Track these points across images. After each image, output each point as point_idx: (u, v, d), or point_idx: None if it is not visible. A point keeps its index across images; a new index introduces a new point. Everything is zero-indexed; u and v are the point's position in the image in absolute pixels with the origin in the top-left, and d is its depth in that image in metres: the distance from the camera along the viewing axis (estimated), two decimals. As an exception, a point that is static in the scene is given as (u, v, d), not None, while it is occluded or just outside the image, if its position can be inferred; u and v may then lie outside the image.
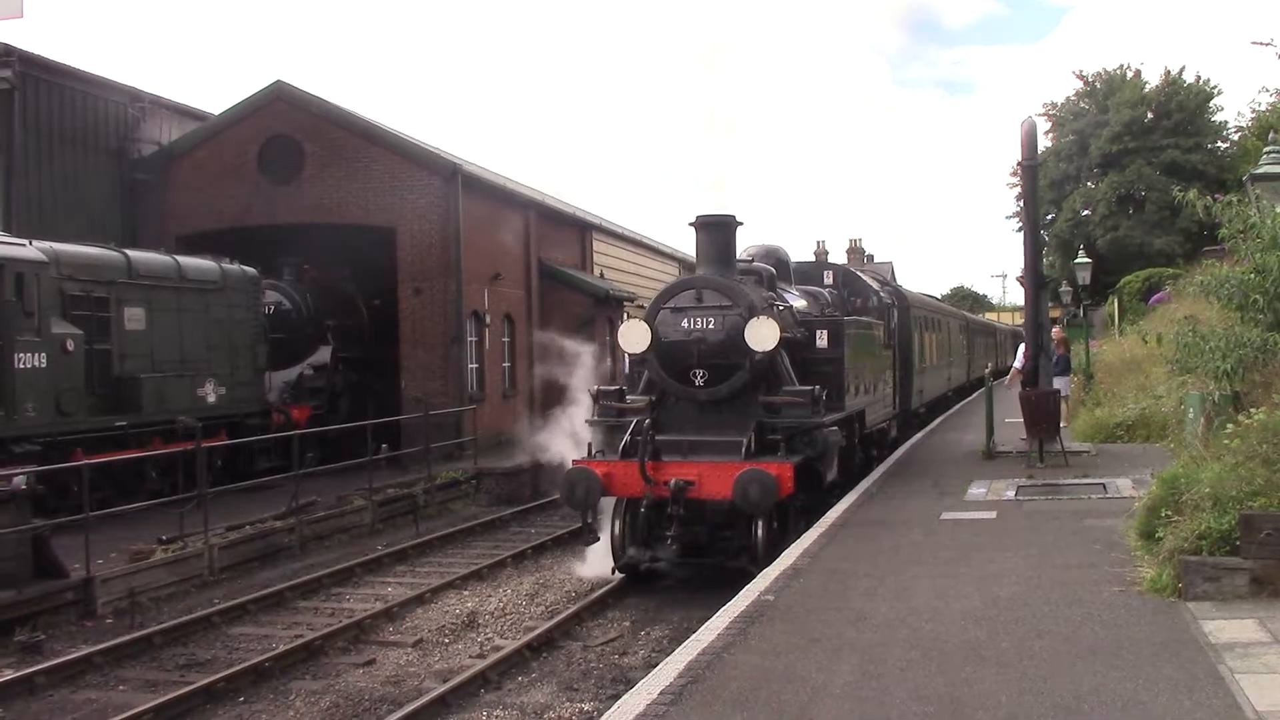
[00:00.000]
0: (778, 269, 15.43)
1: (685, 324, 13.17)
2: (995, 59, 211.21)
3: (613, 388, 14.22)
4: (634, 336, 13.42)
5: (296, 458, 17.38)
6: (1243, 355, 11.27)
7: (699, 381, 13.11)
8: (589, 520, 13.01)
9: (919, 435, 22.24)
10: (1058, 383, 19.22)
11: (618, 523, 12.91)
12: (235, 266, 20.85)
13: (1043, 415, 16.50)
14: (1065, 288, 42.57)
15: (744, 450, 12.41)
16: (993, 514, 12.57)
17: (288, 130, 25.32)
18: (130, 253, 18.57)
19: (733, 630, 8.07)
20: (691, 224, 13.78)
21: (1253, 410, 9.80)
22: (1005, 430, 19.10)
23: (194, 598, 13.70)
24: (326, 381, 24.33)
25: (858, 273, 20.05)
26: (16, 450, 15.11)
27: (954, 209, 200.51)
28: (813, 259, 31.95)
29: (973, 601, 8.55)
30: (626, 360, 15.06)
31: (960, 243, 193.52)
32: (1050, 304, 31.69)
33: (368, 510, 18.33)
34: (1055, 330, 21.11)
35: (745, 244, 15.91)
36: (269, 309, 22.60)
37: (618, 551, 12.92)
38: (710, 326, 13.07)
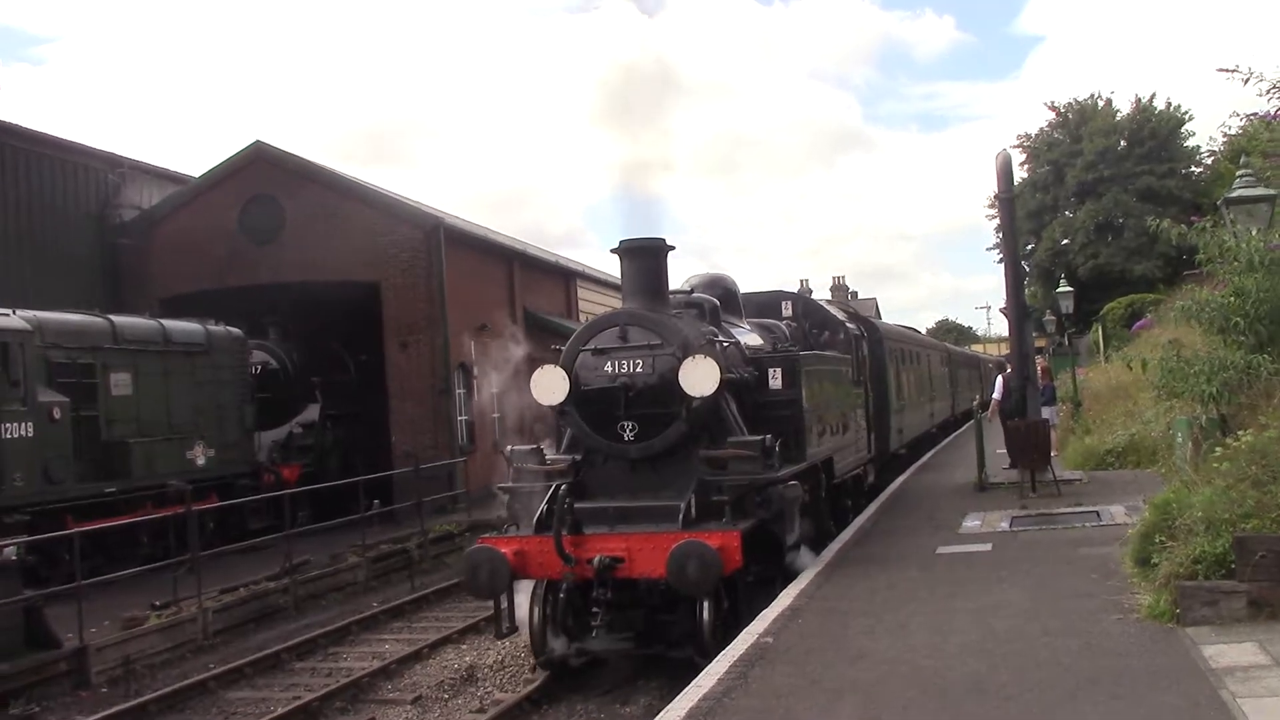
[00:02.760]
0: (724, 300, 13.58)
1: (609, 368, 11.36)
2: (967, 94, 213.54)
3: (529, 447, 12.01)
4: (547, 385, 11.44)
5: (288, 517, 17.32)
6: (1227, 378, 11.31)
7: (628, 435, 11.28)
8: (501, 608, 11.00)
9: (904, 476, 21.35)
10: (1045, 412, 19.26)
11: (536, 609, 10.90)
12: (220, 328, 20.86)
13: (1034, 445, 16.54)
14: (1049, 317, 42.76)
15: (681, 517, 10.58)
16: (988, 546, 12.56)
17: (268, 189, 25.44)
18: (114, 318, 18.58)
19: (733, 674, 8.04)
20: (614, 251, 12.06)
21: (1240, 432, 9.84)
22: (997, 462, 19.11)
23: (189, 663, 13.59)
24: (316, 439, 24.29)
25: (821, 303, 18.18)
26: (6, 521, 15.01)
27: (935, 243, 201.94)
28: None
29: (971, 635, 8.54)
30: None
31: (944, 277, 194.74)
32: (1035, 334, 31.83)
33: (362, 567, 18.22)
34: (1039, 360, 21.18)
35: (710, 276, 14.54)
36: (255, 369, 22.60)
37: (538, 644, 10.96)
38: (638, 369, 11.27)
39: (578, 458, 11.61)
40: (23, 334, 16.00)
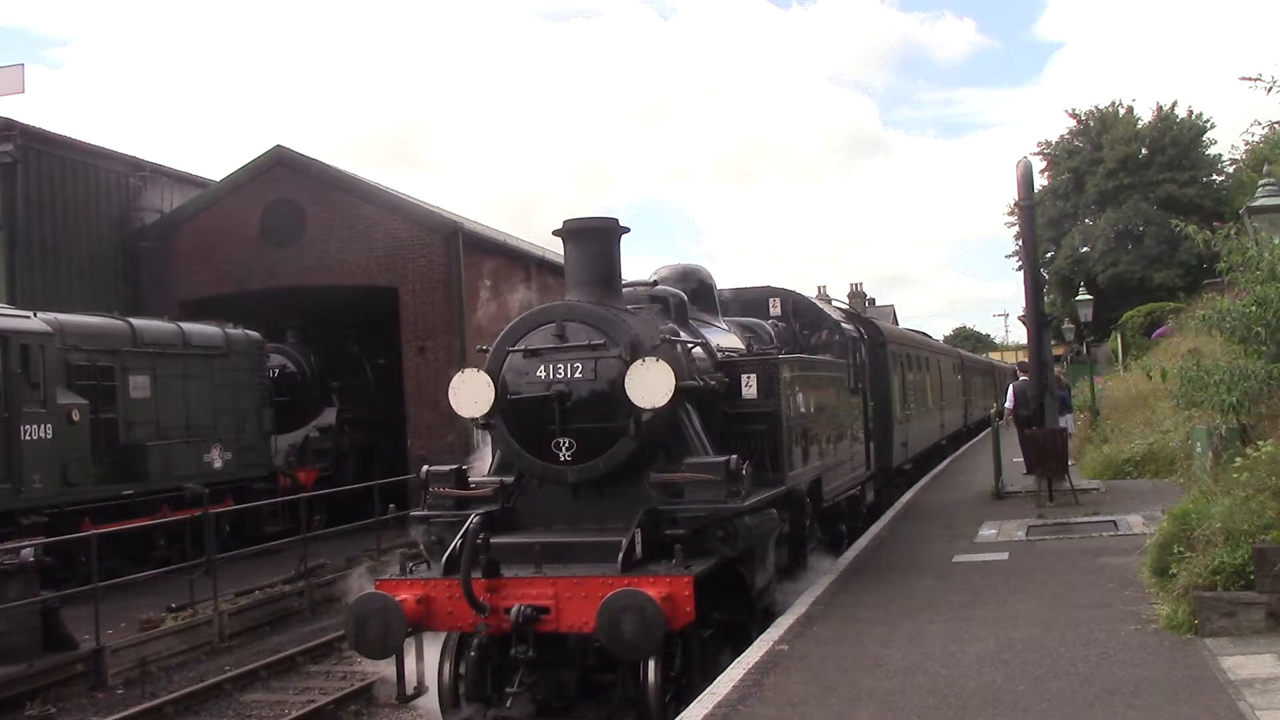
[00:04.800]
0: (696, 295, 11.54)
1: (542, 373, 9.38)
2: (986, 100, 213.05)
3: (448, 468, 10.00)
4: (469, 393, 9.49)
5: (304, 520, 17.36)
6: (1248, 388, 11.22)
7: (565, 455, 9.25)
8: (401, 667, 8.70)
9: (912, 491, 20.11)
10: (1062, 420, 19.19)
11: (446, 667, 8.93)
12: (239, 331, 20.94)
13: (1051, 454, 16.48)
14: (1068, 325, 42.56)
15: (620, 556, 8.46)
16: (1005, 555, 12.50)
17: (289, 194, 25.50)
18: (134, 321, 18.67)
19: (748, 681, 7.99)
20: (556, 233, 10.15)
21: (1260, 443, 9.77)
22: (1013, 471, 19.03)
23: (205, 665, 13.63)
24: (333, 443, 24.35)
25: (814, 300, 16.05)
26: (24, 522, 15.09)
27: (953, 250, 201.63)
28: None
29: (988, 645, 8.49)
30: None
31: (962, 284, 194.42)
32: (1054, 342, 31.64)
33: (377, 571, 18.23)
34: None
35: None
36: (273, 372, 22.68)
37: (447, 708, 8.88)
38: (577, 375, 9.30)
39: (506, 481, 9.74)
40: (43, 336, 16.08)
